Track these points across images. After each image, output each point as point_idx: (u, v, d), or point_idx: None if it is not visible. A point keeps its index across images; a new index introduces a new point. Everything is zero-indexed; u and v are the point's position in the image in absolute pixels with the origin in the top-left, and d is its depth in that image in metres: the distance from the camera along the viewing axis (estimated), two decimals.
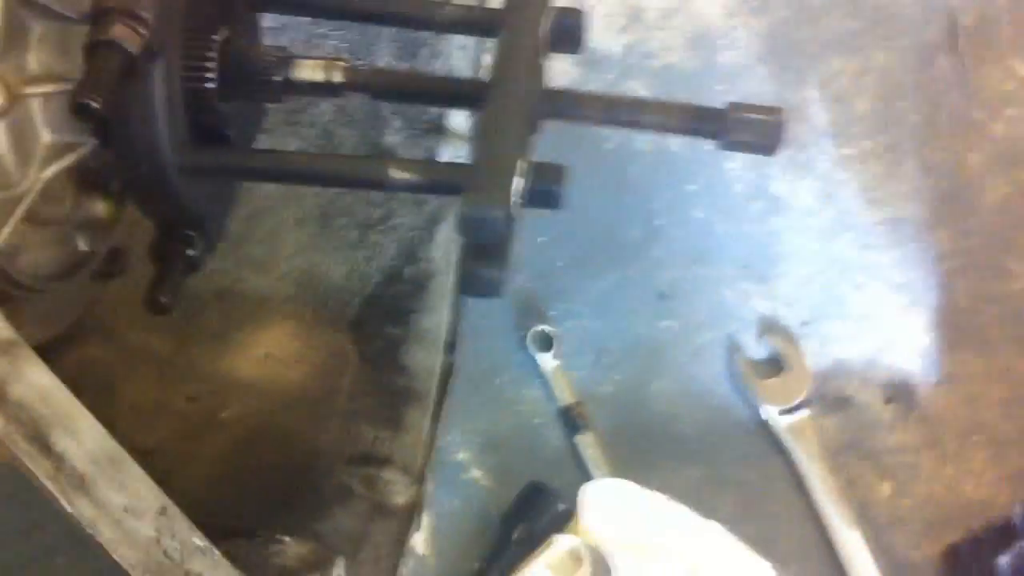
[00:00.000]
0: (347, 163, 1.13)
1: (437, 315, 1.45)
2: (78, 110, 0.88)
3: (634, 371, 1.55)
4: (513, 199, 0.90)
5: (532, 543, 1.36)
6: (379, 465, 1.30)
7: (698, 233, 1.66)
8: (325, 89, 1.08)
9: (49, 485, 0.72)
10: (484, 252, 0.91)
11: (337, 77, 1.07)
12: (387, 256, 1.48)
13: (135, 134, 0.97)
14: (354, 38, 1.47)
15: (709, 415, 1.54)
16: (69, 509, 0.72)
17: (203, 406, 1.32)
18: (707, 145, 1.68)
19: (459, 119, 1.52)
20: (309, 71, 1.07)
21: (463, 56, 1.48)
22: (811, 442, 1.50)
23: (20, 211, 1.01)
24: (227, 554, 0.82)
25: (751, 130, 1.05)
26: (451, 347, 1.47)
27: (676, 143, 1.71)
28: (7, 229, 1.00)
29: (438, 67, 1.50)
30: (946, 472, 1.52)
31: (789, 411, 1.51)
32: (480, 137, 0.93)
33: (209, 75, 1.04)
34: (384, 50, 1.48)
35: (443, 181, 0.98)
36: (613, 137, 1.69)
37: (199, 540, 0.77)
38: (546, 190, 0.94)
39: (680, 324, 1.59)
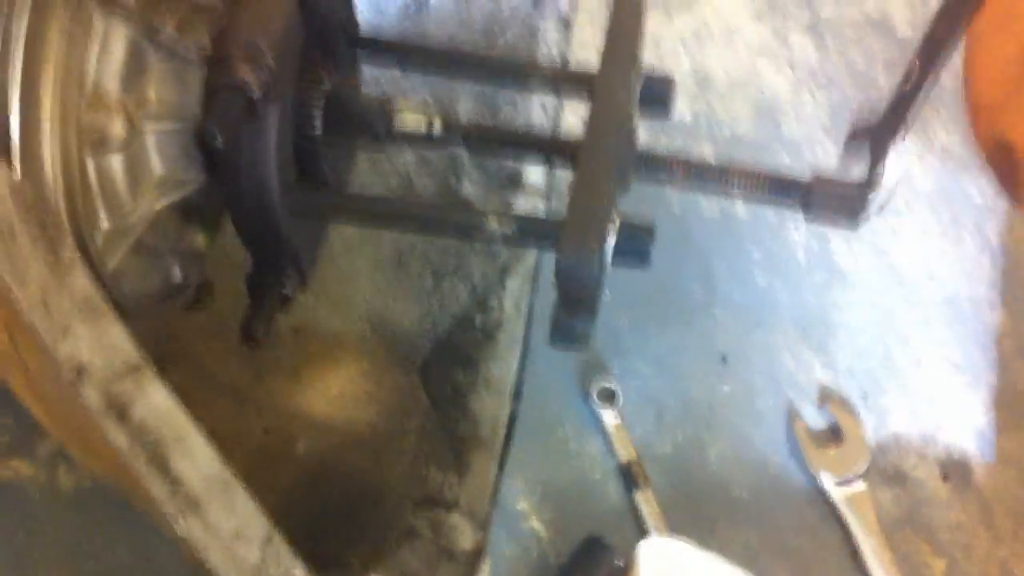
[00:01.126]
0: (448, 211, 1.17)
1: (505, 364, 1.48)
2: (202, 146, 0.92)
3: (693, 432, 1.57)
4: (606, 250, 0.93)
5: None
6: (446, 509, 1.31)
7: (760, 299, 1.68)
8: (424, 138, 1.12)
9: (166, 506, 0.75)
10: (575, 304, 0.94)
11: (437, 128, 1.11)
12: (459, 303, 1.51)
13: (248, 173, 1.02)
14: (437, 92, 1.52)
15: (766, 481, 1.55)
16: (182, 531, 0.75)
17: (278, 439, 1.35)
18: (771, 214, 1.76)
19: (536, 175, 1.56)
20: (412, 120, 1.11)
21: (543, 113, 1.52)
22: (867, 514, 1.51)
23: (130, 240, 1.05)
24: None
25: (835, 203, 1.07)
26: (517, 396, 1.49)
27: (742, 209, 1.75)
28: (118, 256, 1.03)
29: (518, 122, 1.54)
30: (1000, 553, 1.52)
31: (846, 482, 1.52)
32: (575, 191, 0.96)
33: (317, 120, 1.08)
34: (466, 104, 1.53)
35: (540, 235, 1.02)
36: (679, 200, 1.73)
37: (300, 572, 0.79)
38: (635, 248, 0.97)
39: (739, 388, 1.61)
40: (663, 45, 1.85)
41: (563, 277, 0.91)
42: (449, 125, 1.11)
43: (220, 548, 0.76)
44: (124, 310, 1.08)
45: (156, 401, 0.78)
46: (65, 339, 0.75)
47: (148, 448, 0.76)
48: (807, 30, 1.89)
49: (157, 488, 0.75)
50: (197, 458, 0.78)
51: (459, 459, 1.39)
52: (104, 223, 1.03)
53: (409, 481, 1.35)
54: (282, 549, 0.79)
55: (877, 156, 1.05)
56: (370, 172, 1.50)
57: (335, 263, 1.48)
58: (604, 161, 0.96)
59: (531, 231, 1.02)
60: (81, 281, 0.77)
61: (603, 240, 0.90)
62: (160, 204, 1.08)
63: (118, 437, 0.75)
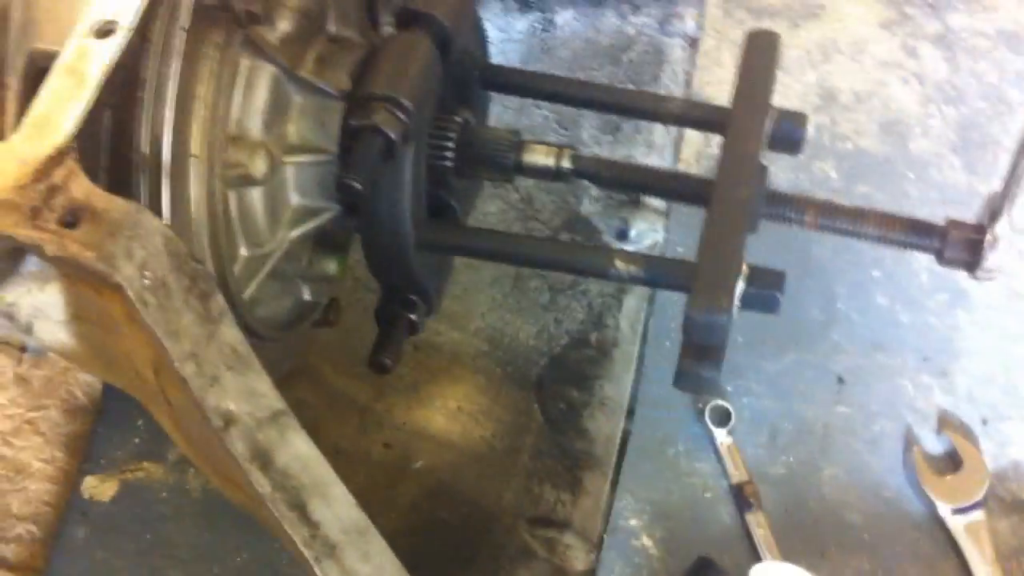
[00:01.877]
0: (574, 250, 1.18)
1: (620, 383, 1.49)
2: (341, 188, 0.94)
3: (807, 454, 1.56)
4: (736, 302, 0.93)
5: None
6: (559, 529, 1.33)
7: (880, 320, 1.65)
8: (552, 173, 1.13)
9: (305, 552, 0.78)
10: (703, 352, 0.94)
11: (566, 164, 1.12)
12: (575, 320, 1.53)
13: (383, 209, 1.04)
14: (561, 109, 1.52)
15: (881, 506, 1.53)
16: (319, 575, 0.78)
17: (398, 454, 1.38)
18: None
19: None
20: (541, 156, 1.12)
21: (664, 134, 1.52)
22: (984, 544, 1.48)
23: (267, 268, 1.08)
24: None
25: (968, 251, 1.06)
26: (630, 414, 1.50)
27: None
28: (255, 283, 1.07)
29: (639, 141, 1.54)
30: None
31: (963, 510, 1.50)
32: (706, 240, 0.96)
33: (449, 155, 1.10)
34: (588, 124, 1.53)
35: (666, 277, 1.02)
36: None
37: None
38: (765, 295, 0.96)
39: (856, 411, 1.59)
40: (788, 56, 1.82)
41: (691, 329, 0.91)
42: (578, 160, 1.12)
43: None
44: (259, 334, 1.12)
45: (298, 448, 0.81)
46: (213, 389, 0.78)
47: (290, 494, 0.79)
48: (936, 41, 1.84)
49: (297, 532, 0.78)
50: (336, 505, 0.81)
51: (573, 478, 1.41)
52: (242, 252, 1.07)
53: (523, 499, 1.37)
54: None
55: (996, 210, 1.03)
56: (489, 187, 1.52)
57: (454, 278, 1.50)
58: (736, 211, 0.96)
59: (659, 273, 1.02)
60: (230, 332, 0.80)
61: (732, 293, 0.90)
62: (295, 233, 1.11)
63: (263, 484, 0.78)
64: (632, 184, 1.14)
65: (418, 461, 1.38)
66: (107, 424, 1.48)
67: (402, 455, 1.38)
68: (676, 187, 1.13)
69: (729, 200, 0.98)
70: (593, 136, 1.53)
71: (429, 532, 1.31)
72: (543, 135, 1.45)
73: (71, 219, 0.76)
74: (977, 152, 1.73)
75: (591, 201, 1.55)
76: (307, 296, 1.23)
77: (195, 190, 0.97)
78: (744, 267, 0.95)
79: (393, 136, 0.97)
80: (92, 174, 0.83)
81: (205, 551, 1.40)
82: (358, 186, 0.93)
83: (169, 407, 0.91)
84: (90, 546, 1.40)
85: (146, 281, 0.76)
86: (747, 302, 0.95)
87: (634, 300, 1.54)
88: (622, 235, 1.53)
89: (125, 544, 1.41)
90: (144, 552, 1.40)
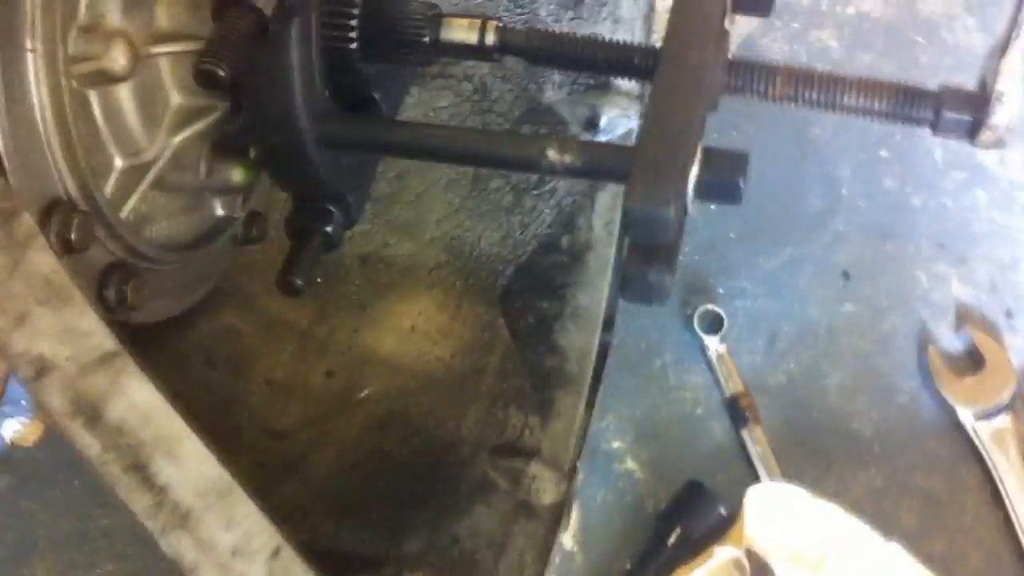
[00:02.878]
0: (501, 141, 1.01)
1: (595, 291, 1.33)
2: (201, 76, 0.79)
3: (809, 360, 1.42)
4: (687, 192, 0.77)
5: (688, 548, 1.25)
6: (526, 458, 1.19)
7: (888, 205, 1.52)
8: (477, 52, 0.96)
9: (147, 524, 0.64)
10: (651, 253, 0.79)
11: (491, 39, 0.95)
12: (543, 223, 1.37)
13: (268, 101, 0.88)
14: None
15: (892, 413, 1.39)
16: (168, 550, 0.64)
17: (341, 382, 1.24)
18: None
19: None
20: (462, 32, 0.95)
21: (633, 7, 1.34)
22: (1011, 451, 1.34)
23: (148, 179, 0.94)
24: None
25: (969, 109, 0.89)
26: (608, 326, 1.34)
27: None
28: (134, 198, 0.93)
29: (605, 16, 1.36)
30: None
31: (987, 415, 1.35)
32: (649, 118, 0.79)
33: (351, 34, 0.93)
34: (546, 0, 1.35)
35: (607, 167, 0.86)
36: None
37: None
38: (723, 182, 0.80)
39: (864, 308, 1.45)
40: None
41: (632, 226, 0.75)
42: (505, 33, 0.95)
43: (215, 567, 0.64)
44: (150, 257, 0.97)
45: (137, 396, 0.66)
46: (20, 331, 0.64)
47: (126, 453, 0.64)
48: None
49: (136, 501, 0.64)
50: (188, 462, 0.66)
51: (542, 399, 1.26)
52: (117, 162, 0.92)
53: (486, 426, 1.22)
54: (293, 565, 0.67)
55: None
56: (439, 79, 1.35)
57: (403, 181, 1.34)
58: (685, 81, 0.79)
59: (600, 163, 0.86)
60: (41, 258, 0.65)
61: (682, 183, 0.73)
62: (180, 136, 0.96)
63: (89, 443, 0.64)
64: (570, 58, 0.97)
65: (364, 389, 1.23)
66: None
67: (346, 383, 1.24)
68: (623, 58, 0.95)
69: (678, 68, 0.81)
70: (552, 13, 1.35)
71: (374, 469, 1.17)
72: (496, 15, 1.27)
73: None
74: (993, 9, 1.55)
75: (554, 88, 1.38)
76: (219, 211, 1.09)
77: (37, 91, 0.82)
78: (697, 149, 0.78)
79: (264, 10, 0.81)
80: None
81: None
82: (221, 72, 0.77)
83: None
84: (14, 496, 1.28)
85: None
86: (704, 192, 0.79)
87: (608, 197, 1.37)
88: (591, 124, 1.36)
89: (52, 493, 1.28)
90: (74, 501, 1.28)
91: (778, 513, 1.22)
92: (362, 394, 1.23)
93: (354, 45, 0.94)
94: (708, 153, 0.80)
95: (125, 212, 0.93)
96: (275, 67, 0.87)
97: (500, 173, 1.38)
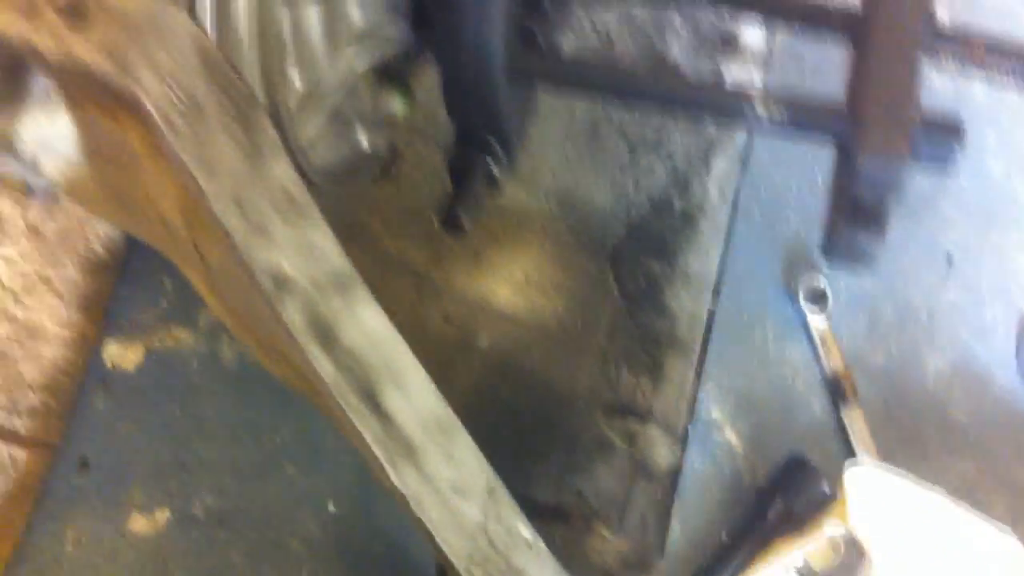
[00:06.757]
0: (702, 89, 0.98)
1: (707, 256, 1.31)
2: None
3: (910, 343, 1.39)
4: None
5: (790, 523, 1.24)
6: (640, 419, 1.17)
7: (995, 190, 1.47)
8: None
9: (376, 450, 0.62)
10: (863, 215, 0.76)
11: None
12: (657, 183, 1.34)
13: (468, 31, 0.85)
14: None
15: (989, 403, 1.37)
16: (395, 481, 0.62)
17: (458, 329, 1.22)
18: (1013, 94, 1.52)
19: (755, 36, 1.35)
20: None
21: None
22: None
23: (326, 106, 0.91)
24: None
25: None
26: (717, 292, 1.33)
27: (979, 88, 1.51)
28: (312, 124, 0.89)
29: None
30: None
31: None
32: (869, 77, 0.77)
33: None
34: None
35: (819, 122, 0.83)
36: None
37: (525, 530, 0.66)
38: (943, 147, 0.78)
39: (965, 294, 1.42)
40: None
41: (861, 183, 0.72)
42: None
43: (438, 503, 0.62)
44: (313, 183, 0.95)
45: (369, 323, 0.64)
46: (261, 241, 0.61)
47: (358, 379, 0.62)
48: None
49: (367, 426, 0.62)
50: (414, 394, 0.64)
51: (653, 362, 1.25)
52: (297, 85, 0.89)
53: (599, 384, 1.21)
54: (504, 505, 0.66)
55: None
56: (567, 29, 1.31)
57: None
58: (907, 40, 0.76)
59: (808, 120, 0.83)
60: (282, 170, 0.62)
61: (913, 142, 0.71)
62: (360, 64, 0.93)
63: (323, 365, 0.61)
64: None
65: (482, 338, 1.21)
66: (130, 283, 1.32)
67: (463, 331, 1.22)
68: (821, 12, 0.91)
69: (896, 29, 0.78)
70: None
71: (495, 419, 1.15)
72: None
73: (74, 13, 0.58)
74: None
75: (680, 46, 1.35)
76: (364, 144, 1.06)
77: (244, 5, 0.78)
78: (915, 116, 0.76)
79: None
80: None
81: (240, 428, 1.25)
82: None
83: (203, 263, 0.74)
84: (111, 419, 1.25)
85: (174, 98, 0.58)
86: (921, 154, 0.76)
87: (724, 162, 1.35)
88: None
89: (150, 418, 1.26)
90: (171, 427, 1.25)
91: (879, 498, 1.21)
92: (479, 342, 1.21)
93: None
94: (926, 122, 0.77)
95: (304, 136, 0.90)
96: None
97: (618, 129, 1.35)
